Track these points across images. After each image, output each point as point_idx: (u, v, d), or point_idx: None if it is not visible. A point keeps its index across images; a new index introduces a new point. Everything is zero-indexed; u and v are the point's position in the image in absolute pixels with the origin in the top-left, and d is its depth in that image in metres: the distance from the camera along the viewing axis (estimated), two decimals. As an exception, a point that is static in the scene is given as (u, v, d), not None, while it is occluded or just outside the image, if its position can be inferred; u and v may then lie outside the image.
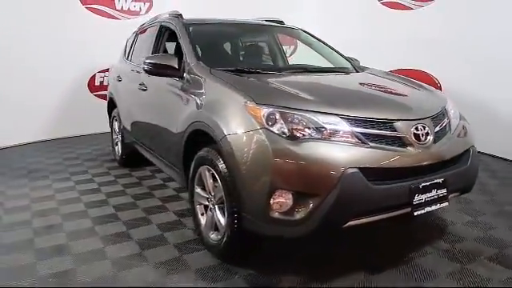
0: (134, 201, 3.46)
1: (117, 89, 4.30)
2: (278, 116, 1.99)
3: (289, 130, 1.96)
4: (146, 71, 2.84)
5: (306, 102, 2.09)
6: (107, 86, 6.47)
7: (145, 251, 2.54)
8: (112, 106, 4.62)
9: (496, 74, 4.69)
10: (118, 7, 6.53)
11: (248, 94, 2.14)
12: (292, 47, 6.36)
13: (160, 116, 3.10)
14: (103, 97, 6.60)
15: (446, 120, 2.34)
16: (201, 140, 2.48)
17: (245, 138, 2.02)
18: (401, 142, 2.05)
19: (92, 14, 6.33)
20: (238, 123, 2.08)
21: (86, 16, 6.26)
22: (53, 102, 6.11)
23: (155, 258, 2.45)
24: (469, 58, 4.97)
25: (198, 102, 2.48)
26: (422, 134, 2.10)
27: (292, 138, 1.94)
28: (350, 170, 1.88)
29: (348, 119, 2.01)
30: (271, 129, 1.97)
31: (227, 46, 3.55)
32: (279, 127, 1.97)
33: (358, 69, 3.25)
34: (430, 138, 2.13)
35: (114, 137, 4.72)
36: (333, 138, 1.96)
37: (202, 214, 2.58)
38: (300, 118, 1.98)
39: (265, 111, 2.01)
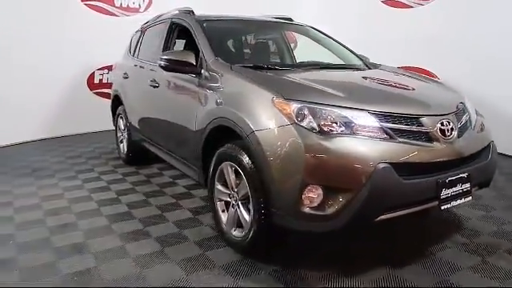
0: (145, 198, 3.43)
1: (123, 86, 4.25)
2: (307, 111, 2.00)
3: (319, 125, 1.97)
4: (162, 67, 2.81)
5: (334, 97, 2.10)
6: (107, 83, 6.49)
7: (166, 249, 2.52)
8: (117, 103, 4.57)
9: (496, 71, 4.75)
10: (117, 4, 6.47)
11: (275, 90, 2.14)
12: (292, 44, 6.37)
13: (175, 113, 3.08)
14: (103, 95, 6.56)
15: (466, 115, 2.37)
16: (222, 136, 2.48)
17: (274, 133, 2.02)
18: (427, 137, 2.08)
19: (90, 11, 6.26)
20: (267, 119, 2.08)
21: (84, 13, 6.19)
22: (52, 100, 6.03)
23: (177, 255, 2.44)
24: (469, 56, 5.02)
25: (220, 98, 2.46)
26: (448, 130, 2.13)
27: (322, 133, 1.95)
28: (382, 165, 1.89)
29: (376, 115, 2.02)
30: (301, 124, 1.97)
31: (241, 43, 3.54)
32: (309, 122, 1.97)
33: (369, 65, 3.27)
34: (455, 133, 2.16)
35: (119, 134, 4.67)
36: (362, 134, 1.97)
37: (223, 211, 2.57)
38: (330, 113, 1.99)
39: (294, 106, 2.02)
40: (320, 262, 2.36)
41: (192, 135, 2.77)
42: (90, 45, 6.19)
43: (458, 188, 2.13)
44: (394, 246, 2.58)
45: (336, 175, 1.91)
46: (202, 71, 2.73)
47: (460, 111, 2.34)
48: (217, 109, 2.45)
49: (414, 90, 2.49)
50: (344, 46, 3.56)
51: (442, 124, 2.12)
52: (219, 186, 2.56)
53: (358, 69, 3.11)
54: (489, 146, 2.39)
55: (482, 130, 2.47)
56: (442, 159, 2.08)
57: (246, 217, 2.31)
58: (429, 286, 2.09)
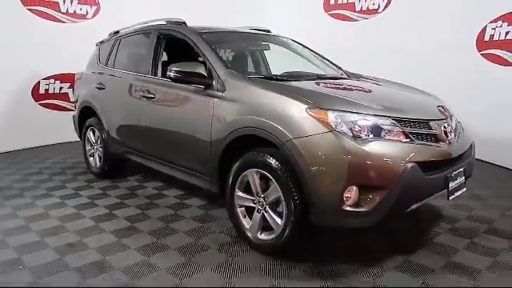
0: (141, 211, 3.36)
1: (98, 97, 4.08)
2: (342, 119, 2.22)
3: (353, 131, 2.19)
4: (171, 79, 2.84)
5: (360, 106, 2.34)
6: (54, 94, 6.12)
7: (192, 258, 2.55)
8: (86, 115, 4.36)
9: (430, 78, 5.37)
10: (63, 10, 6.11)
11: (307, 100, 2.32)
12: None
13: (180, 124, 3.06)
14: (49, 106, 6.18)
15: (454, 118, 2.78)
16: (238, 146, 2.60)
17: (314, 140, 2.20)
18: (436, 138, 2.41)
19: (35, 17, 5.84)
20: (304, 127, 2.24)
21: (28, 19, 5.75)
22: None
23: (208, 263, 2.48)
24: (410, 66, 5.62)
25: (243, 108, 2.57)
26: (448, 131, 2.50)
27: (357, 138, 2.18)
28: (410, 164, 2.18)
29: (398, 120, 2.31)
30: (339, 131, 2.18)
31: (238, 54, 3.65)
32: (345, 129, 2.19)
33: (350, 75, 3.58)
34: (453, 134, 2.54)
35: (88, 148, 4.45)
36: (389, 137, 2.24)
37: (244, 217, 2.68)
38: (362, 120, 2.23)
39: (331, 115, 2.22)
40: (342, 256, 2.57)
41: (205, 146, 2.81)
42: (34, 53, 5.81)
43: (459, 181, 2.51)
44: (397, 236, 2.89)
45: (374, 175, 2.14)
46: (214, 82, 2.81)
47: (451, 115, 2.74)
48: (241, 119, 2.55)
49: (414, 97, 2.84)
50: (324, 58, 3.84)
51: (444, 127, 2.49)
52: (240, 193, 2.66)
53: (345, 78, 3.39)
54: (471, 145, 2.82)
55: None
56: (448, 157, 2.43)
57: (278, 220, 2.44)
58: (442, 266, 2.43)
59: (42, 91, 6.08)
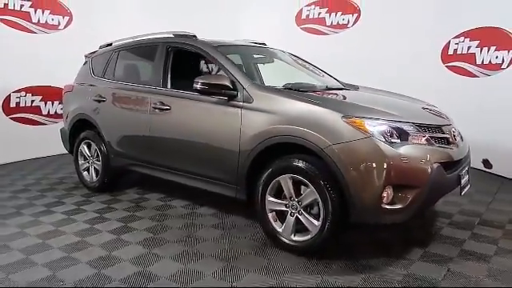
0: (158, 223, 3.37)
1: (97, 110, 4.00)
2: (375, 126, 2.46)
3: (385, 136, 2.44)
4: (198, 91, 2.93)
5: (387, 114, 2.60)
6: (26, 107, 5.91)
7: (231, 263, 2.64)
8: (79, 128, 4.26)
9: (398, 89, 5.83)
10: (35, 20, 5.89)
11: (342, 109, 2.54)
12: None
13: (201, 135, 3.12)
14: (22, 120, 5.91)
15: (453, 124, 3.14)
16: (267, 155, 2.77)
17: (354, 145, 2.41)
18: (447, 141, 2.74)
19: (4, 27, 5.57)
20: (342, 134, 2.45)
21: (-3, 28, 5.49)
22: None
23: (250, 266, 2.59)
24: (379, 77, 6.04)
25: (275, 118, 2.71)
26: (456, 135, 2.83)
27: (390, 143, 2.43)
28: (435, 165, 2.47)
29: (419, 126, 2.60)
30: (376, 136, 2.41)
31: (249, 66, 3.79)
32: (379, 135, 2.43)
33: (347, 86, 3.86)
34: (459, 137, 2.88)
35: (82, 162, 4.34)
36: (414, 141, 2.52)
37: (276, 221, 2.82)
38: (394, 126, 2.49)
39: (367, 122, 2.45)
40: (368, 251, 2.80)
41: (232, 155, 2.91)
42: (4, 65, 5.57)
43: (466, 178, 2.85)
44: (406, 231, 3.17)
45: (408, 175, 2.41)
46: (238, 94, 2.94)
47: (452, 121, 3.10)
48: (275, 128, 2.69)
49: (421, 105, 3.17)
50: (322, 70, 4.11)
51: (453, 131, 2.82)
52: (271, 198, 2.80)
53: (349, 89, 3.64)
54: (468, 147, 3.19)
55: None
56: (458, 157, 2.76)
57: (314, 221, 2.61)
58: (458, 254, 2.74)
59: (12, 105, 5.79)
